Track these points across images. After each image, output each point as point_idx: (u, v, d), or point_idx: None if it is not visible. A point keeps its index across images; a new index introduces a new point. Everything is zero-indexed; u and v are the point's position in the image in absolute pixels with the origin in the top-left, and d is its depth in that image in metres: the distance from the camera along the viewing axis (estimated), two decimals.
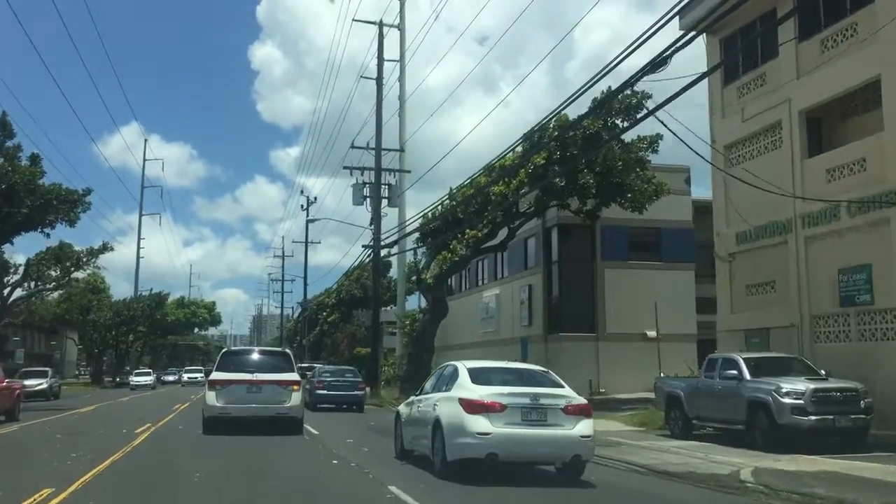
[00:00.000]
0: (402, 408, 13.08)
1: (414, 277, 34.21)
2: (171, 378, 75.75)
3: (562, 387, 10.81)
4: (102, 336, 77.55)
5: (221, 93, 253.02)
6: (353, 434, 17.28)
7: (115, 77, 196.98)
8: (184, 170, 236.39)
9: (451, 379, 11.24)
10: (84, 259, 43.63)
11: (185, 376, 71.50)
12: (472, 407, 10.05)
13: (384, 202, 33.62)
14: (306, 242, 63.98)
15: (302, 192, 65.16)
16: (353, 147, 33.93)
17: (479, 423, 9.88)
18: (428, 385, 12.37)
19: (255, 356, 18.28)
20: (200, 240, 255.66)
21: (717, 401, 14.48)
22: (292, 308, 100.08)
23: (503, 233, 30.04)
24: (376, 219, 32.86)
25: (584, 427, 10.17)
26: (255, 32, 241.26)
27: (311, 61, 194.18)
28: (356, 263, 39.27)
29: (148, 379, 61.15)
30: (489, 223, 28.82)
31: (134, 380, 60.40)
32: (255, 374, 16.68)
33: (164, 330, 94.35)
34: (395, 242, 32.93)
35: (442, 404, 10.73)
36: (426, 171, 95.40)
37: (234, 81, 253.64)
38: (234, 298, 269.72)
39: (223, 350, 20.33)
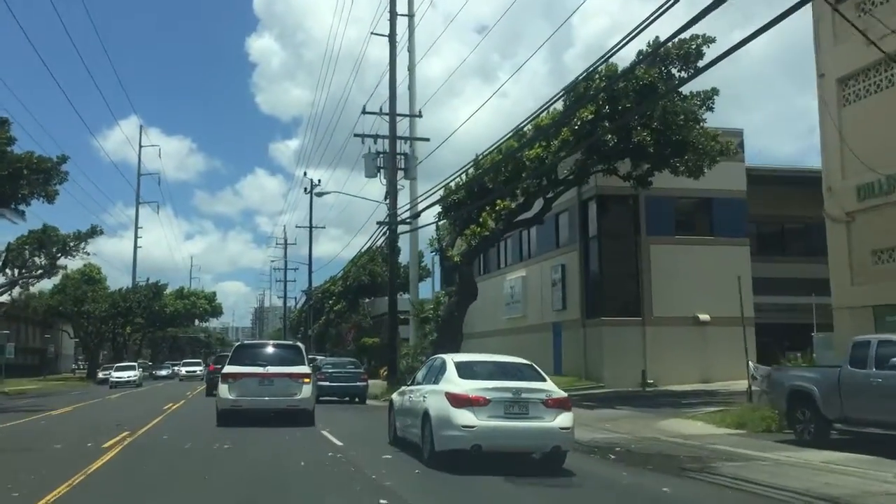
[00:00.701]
0: (396, 396, 13.62)
1: (433, 253, 30.56)
2: (163, 372, 69.40)
3: (544, 380, 11.20)
4: (98, 328, 74.15)
5: (220, 85, 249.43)
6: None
7: (112, 71, 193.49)
8: (183, 163, 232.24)
9: (439, 372, 11.58)
10: (71, 244, 40.21)
11: (183, 370, 65.19)
12: (457, 401, 10.44)
13: (400, 174, 29.94)
14: (311, 226, 60.40)
15: (305, 174, 60.86)
16: (364, 112, 30.32)
17: (464, 417, 10.30)
18: (419, 376, 12.74)
19: (268, 350, 18.56)
20: (201, 233, 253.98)
21: (876, 399, 10.87)
22: (295, 298, 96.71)
23: (537, 204, 26.43)
24: (392, 191, 29.26)
25: (563, 419, 10.52)
26: (253, 24, 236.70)
27: (310, 53, 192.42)
28: (367, 246, 35.66)
29: (131, 375, 48.03)
30: (523, 192, 25.20)
31: (114, 376, 47.83)
32: (266, 368, 16.88)
33: (164, 322, 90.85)
34: (415, 217, 29.25)
35: (431, 397, 11.12)
36: (422, 159, 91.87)
37: (232, 74, 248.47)
38: (235, 291, 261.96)
39: (236, 344, 20.75)
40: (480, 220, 26.14)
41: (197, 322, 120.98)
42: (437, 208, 28.37)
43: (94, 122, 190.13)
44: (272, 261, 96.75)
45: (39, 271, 44.57)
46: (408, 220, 28.27)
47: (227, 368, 17.23)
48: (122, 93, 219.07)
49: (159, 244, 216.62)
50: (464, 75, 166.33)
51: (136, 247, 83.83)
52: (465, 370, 11.19)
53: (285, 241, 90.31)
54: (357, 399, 26.39)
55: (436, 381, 11.43)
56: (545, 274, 32.75)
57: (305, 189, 61.13)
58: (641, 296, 28.49)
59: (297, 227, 64.05)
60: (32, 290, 57.01)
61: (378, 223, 29.82)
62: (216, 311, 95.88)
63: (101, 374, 56.04)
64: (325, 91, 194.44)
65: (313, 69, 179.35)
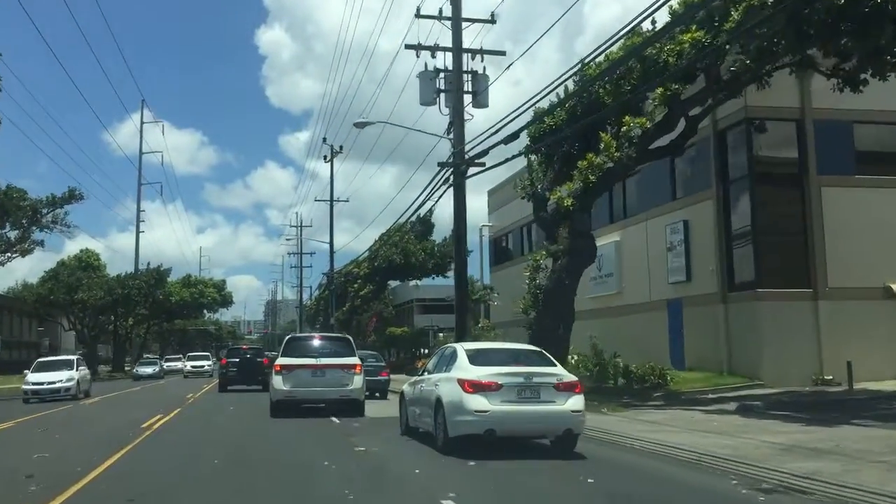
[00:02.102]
0: (407, 388, 13.43)
1: (525, 197, 22.77)
2: (148, 370, 55.51)
3: (554, 366, 11.20)
4: (95, 319, 66.70)
5: (230, 78, 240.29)
6: None
7: (122, 63, 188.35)
8: (194, 157, 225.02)
9: (450, 360, 11.55)
10: (44, 211, 32.66)
11: (188, 365, 56.26)
12: (470, 386, 10.43)
13: (467, 98, 22.00)
14: (332, 199, 52.58)
15: (325, 139, 52.60)
16: (418, 16, 22.35)
17: (477, 402, 10.29)
18: (430, 365, 12.71)
19: (319, 342, 19.38)
20: (212, 226, 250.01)
21: None
22: (310, 287, 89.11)
23: (667, 129, 18.53)
24: (457, 121, 21.36)
25: (574, 402, 10.52)
26: (263, 16, 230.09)
27: (320, 44, 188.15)
28: (428, 191, 27.52)
29: (153, 369, 53.30)
30: (663, 100, 17.22)
31: (140, 370, 53.20)
32: (318, 359, 17.47)
33: (170, 314, 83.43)
34: (479, 157, 21.10)
35: (443, 384, 11.08)
36: (429, 153, 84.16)
37: (242, 67, 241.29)
38: (247, 285, 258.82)
39: (288, 336, 21.44)
40: (602, 143, 18.14)
41: (206, 313, 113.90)
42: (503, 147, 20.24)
43: (104, 115, 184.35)
44: (287, 240, 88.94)
45: (16, 248, 37.14)
46: (480, 155, 20.18)
47: (281, 360, 17.66)
48: (133, 85, 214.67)
49: (169, 239, 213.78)
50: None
51: (138, 230, 75.85)
52: (477, 357, 11.18)
53: (300, 224, 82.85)
54: (378, 394, 24.68)
55: (447, 370, 11.39)
56: (655, 235, 24.78)
57: (325, 157, 53.40)
58: (811, 259, 20.50)
59: (316, 200, 56.12)
60: (19, 276, 49.23)
61: (440, 164, 21.87)
62: (226, 301, 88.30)
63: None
64: (335, 83, 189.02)
65: (324, 61, 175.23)
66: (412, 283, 79.55)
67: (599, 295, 28.21)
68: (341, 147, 53.57)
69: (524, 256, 37.50)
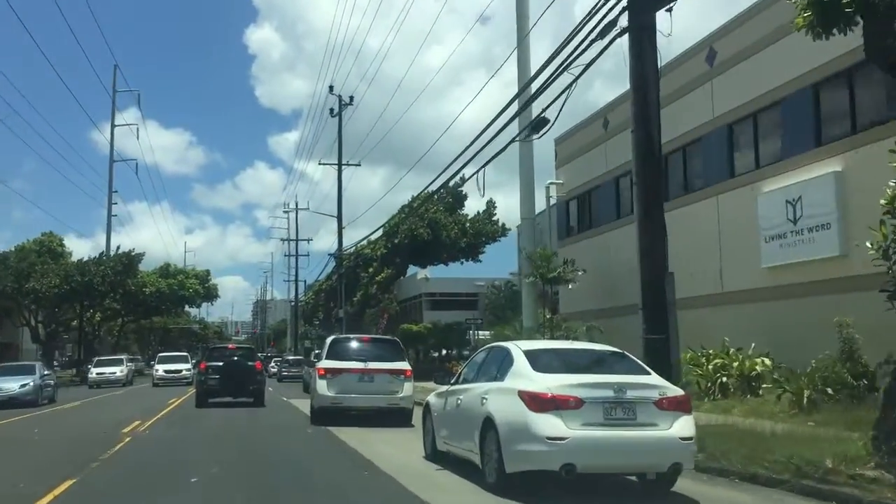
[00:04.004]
0: (434, 399, 10.79)
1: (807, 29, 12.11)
2: (108, 371, 42.64)
3: (648, 373, 8.44)
4: (52, 313, 55.91)
5: (218, 78, 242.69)
6: None
7: (112, 61, 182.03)
8: (182, 157, 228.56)
9: (503, 365, 8.82)
10: None
11: (160, 369, 42.74)
12: (538, 403, 7.62)
13: None
14: (339, 162, 41.95)
15: (331, 88, 41.88)
16: None
17: (549, 425, 7.51)
18: (468, 371, 10.08)
19: (365, 344, 17.85)
20: (200, 227, 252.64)
21: None
22: (304, 282, 78.41)
23: None
24: None
25: (684, 426, 7.78)
26: (252, 15, 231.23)
27: (310, 44, 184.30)
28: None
29: (118, 371, 41.67)
30: None
31: (97, 373, 41.32)
32: (366, 363, 16.28)
33: (146, 308, 72.55)
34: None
35: (494, 398, 8.37)
36: (426, 151, 74.67)
37: (231, 66, 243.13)
38: (234, 286, 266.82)
39: (331, 337, 19.31)
40: None
41: (188, 309, 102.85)
42: None
43: (94, 113, 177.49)
44: (279, 218, 78.16)
45: None
46: None
47: (325, 363, 16.61)
48: (124, 83, 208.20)
49: (154, 239, 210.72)
50: (467, 66, 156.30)
51: (110, 213, 65.16)
52: (539, 360, 8.42)
53: (296, 206, 72.41)
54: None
55: (499, 377, 8.73)
56: None
57: (332, 111, 42.95)
58: None
59: (320, 163, 45.20)
60: None
61: None
62: (210, 295, 77.30)
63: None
64: (325, 82, 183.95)
65: (314, 61, 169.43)
66: (420, 275, 69.67)
67: (795, 262, 17.81)
68: (351, 98, 43.15)
69: (616, 222, 27.14)
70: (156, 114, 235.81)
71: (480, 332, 40.60)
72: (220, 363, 22.69)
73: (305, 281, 79.34)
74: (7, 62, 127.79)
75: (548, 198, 31.71)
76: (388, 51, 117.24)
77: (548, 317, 27.36)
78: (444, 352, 46.39)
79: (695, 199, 21.95)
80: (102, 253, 54.65)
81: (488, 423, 8.24)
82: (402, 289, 67.33)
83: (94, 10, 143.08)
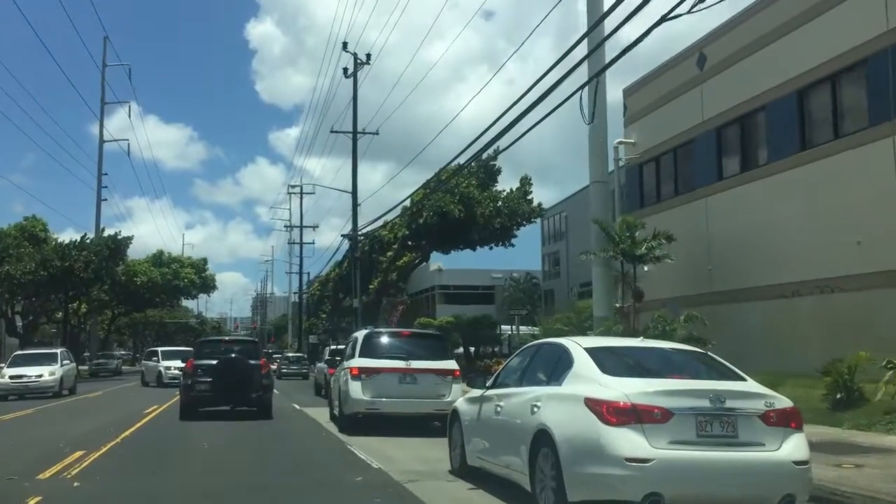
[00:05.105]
0: (464, 405, 9.25)
1: None
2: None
3: (744, 379, 6.75)
4: (30, 302, 50.21)
5: (220, 73, 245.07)
6: None
7: (115, 56, 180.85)
8: (183, 152, 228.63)
9: (557, 365, 7.24)
10: None
11: (161, 366, 33.88)
12: (614, 413, 6.08)
13: None
14: (355, 130, 36.18)
15: (345, 46, 35.95)
16: None
17: (628, 443, 5.97)
18: (506, 373, 8.52)
19: (405, 339, 15.47)
20: (201, 223, 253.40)
21: None
22: (308, 274, 72.72)
23: None
24: None
25: (796, 447, 6.25)
26: (253, 10, 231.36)
27: (312, 38, 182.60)
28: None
29: (44, 373, 26.28)
30: None
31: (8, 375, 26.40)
32: (408, 361, 13.96)
33: (140, 301, 66.92)
34: None
35: (550, 406, 6.82)
36: (424, 147, 69.82)
37: (232, 61, 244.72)
38: (234, 282, 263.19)
39: (367, 331, 15.90)
40: None
41: (185, 304, 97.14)
42: None
43: (94, 107, 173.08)
44: (282, 209, 72.78)
45: None
46: None
47: (358, 362, 14.04)
48: (125, 77, 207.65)
49: (152, 234, 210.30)
50: (470, 63, 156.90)
51: (99, 196, 59.43)
52: (607, 361, 6.81)
53: (301, 189, 66.56)
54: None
55: (554, 380, 7.14)
56: None
57: (346, 71, 37.22)
58: None
59: (331, 132, 39.35)
60: None
61: None
62: (207, 285, 71.52)
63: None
64: (327, 77, 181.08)
65: (315, 55, 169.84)
66: (434, 266, 64.39)
67: None
68: (368, 56, 37.40)
69: (717, 185, 21.52)
70: (157, 109, 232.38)
71: (528, 329, 34.89)
72: (214, 360, 17.16)
73: (309, 273, 73.94)
74: (11, 58, 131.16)
75: (616, 160, 25.92)
76: (386, 45, 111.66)
77: (622, 305, 21.71)
78: (471, 349, 40.67)
79: (859, 143, 16.27)
80: (85, 235, 48.53)
81: (542, 438, 6.73)
82: (413, 281, 62.12)
83: (97, 6, 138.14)
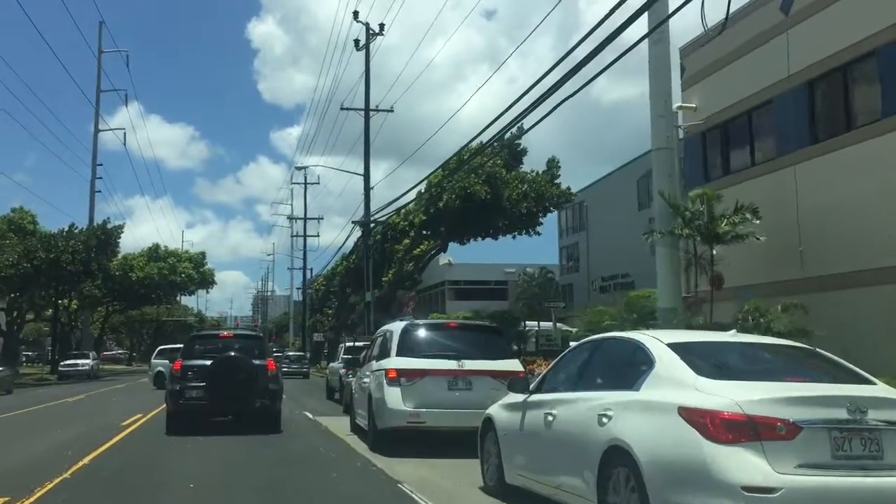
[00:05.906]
0: (501, 412, 7.86)
1: None
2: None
3: (873, 382, 5.52)
4: (14, 297, 46.75)
5: (222, 73, 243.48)
6: None
7: (117, 55, 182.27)
8: (185, 151, 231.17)
9: (632, 366, 5.87)
10: None
11: (159, 367, 31.12)
12: (724, 427, 4.83)
13: None
14: (367, 104, 32.77)
15: (355, 16, 32.55)
16: None
17: (745, 465, 4.72)
18: (554, 375, 7.25)
19: (454, 332, 12.55)
20: (202, 222, 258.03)
21: None
22: (311, 270, 69.30)
23: None
24: None
25: None
26: (255, 9, 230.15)
27: (314, 37, 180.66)
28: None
29: None
30: None
31: None
32: (461, 361, 10.97)
33: (136, 297, 63.55)
34: None
35: (626, 416, 5.47)
36: (423, 143, 66.78)
37: (234, 61, 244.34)
38: (234, 281, 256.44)
39: (403, 323, 12.52)
40: None
41: (184, 301, 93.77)
42: None
43: (92, 98, 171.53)
44: (283, 204, 69.52)
45: None
46: None
47: (396, 362, 11.16)
48: (125, 78, 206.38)
49: (153, 235, 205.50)
50: (470, 61, 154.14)
51: (93, 186, 56.07)
52: (702, 360, 5.52)
53: (305, 177, 63.12)
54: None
55: (628, 384, 5.71)
56: None
57: (357, 42, 33.92)
58: None
59: (342, 108, 36.14)
60: None
61: None
62: (206, 281, 68.26)
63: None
64: (329, 76, 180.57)
65: (317, 55, 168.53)
66: (443, 260, 61.32)
67: None
68: (381, 26, 34.06)
69: (807, 150, 18.11)
70: (159, 108, 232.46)
71: (568, 329, 31.50)
72: (208, 360, 13.81)
73: (312, 269, 70.58)
74: (11, 58, 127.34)
75: (677, 128, 22.42)
76: (386, 45, 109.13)
77: (692, 292, 18.29)
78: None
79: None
80: (73, 225, 45.11)
81: (618, 456, 5.35)
82: (423, 276, 59.19)
83: (99, 5, 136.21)
